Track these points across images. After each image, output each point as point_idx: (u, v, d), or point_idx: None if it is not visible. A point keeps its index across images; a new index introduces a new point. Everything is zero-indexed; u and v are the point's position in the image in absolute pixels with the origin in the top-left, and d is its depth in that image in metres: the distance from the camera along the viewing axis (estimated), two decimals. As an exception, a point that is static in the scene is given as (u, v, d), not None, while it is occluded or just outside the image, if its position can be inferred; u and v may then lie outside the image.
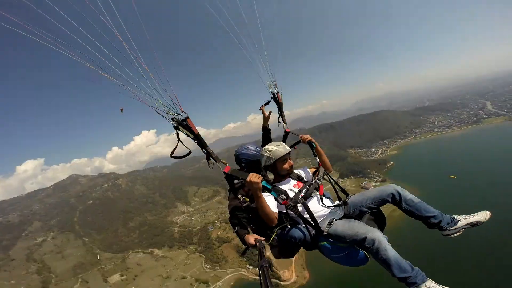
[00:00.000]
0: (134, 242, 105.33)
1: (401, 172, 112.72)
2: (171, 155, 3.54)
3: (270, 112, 5.27)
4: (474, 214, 3.48)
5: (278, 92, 5.24)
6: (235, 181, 4.11)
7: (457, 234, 3.42)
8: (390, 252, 2.87)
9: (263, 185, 3.38)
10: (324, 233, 3.41)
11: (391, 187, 3.59)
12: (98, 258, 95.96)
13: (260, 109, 5.35)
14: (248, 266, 78.82)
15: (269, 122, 5.41)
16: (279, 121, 5.37)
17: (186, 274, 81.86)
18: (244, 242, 3.67)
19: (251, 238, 3.55)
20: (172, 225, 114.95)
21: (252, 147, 4.61)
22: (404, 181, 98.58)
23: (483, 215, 3.46)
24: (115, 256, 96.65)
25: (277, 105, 5.29)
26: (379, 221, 3.72)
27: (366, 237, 2.97)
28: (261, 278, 2.49)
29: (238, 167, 4.62)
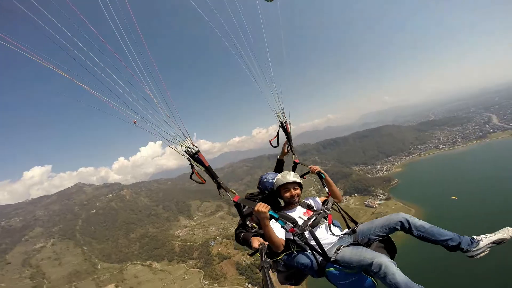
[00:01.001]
0: (134, 254, 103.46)
1: (406, 191, 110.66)
2: (190, 177, 3.94)
3: (289, 147, 5.43)
4: (496, 232, 3.35)
5: (286, 121, 5.35)
6: (244, 209, 4.19)
7: (483, 254, 3.25)
8: (399, 276, 2.73)
9: (270, 214, 3.50)
10: (332, 259, 3.42)
11: (400, 215, 3.56)
12: (99, 267, 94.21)
13: (284, 146, 5.50)
14: (247, 284, 76.08)
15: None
16: (287, 151, 5.42)
17: (183, 289, 79.09)
18: (249, 245, 3.73)
19: (256, 241, 3.60)
20: (174, 239, 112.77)
21: (271, 176, 4.67)
22: (409, 200, 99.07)
23: (506, 232, 3.32)
24: (112, 267, 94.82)
25: (285, 134, 5.40)
26: (389, 249, 3.68)
27: (372, 262, 2.92)
28: (262, 278, 2.54)
29: (257, 191, 4.86)
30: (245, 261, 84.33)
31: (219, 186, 3.85)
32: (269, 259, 2.85)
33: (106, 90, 3.34)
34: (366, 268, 3.03)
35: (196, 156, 3.74)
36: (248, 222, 4.14)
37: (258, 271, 2.85)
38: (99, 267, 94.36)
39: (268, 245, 3.53)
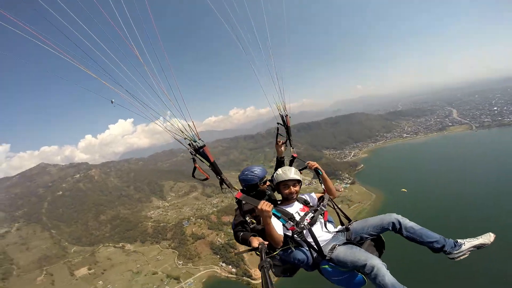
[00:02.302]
0: (105, 236, 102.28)
1: (369, 176, 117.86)
2: (192, 175, 3.75)
3: (284, 144, 5.45)
4: (478, 237, 3.64)
5: (287, 115, 5.34)
6: (244, 204, 4.25)
7: (463, 257, 3.54)
8: (388, 278, 2.97)
9: (273, 213, 3.62)
10: (327, 257, 3.60)
11: (392, 216, 3.78)
12: (69, 251, 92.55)
13: (277, 144, 5.47)
14: (221, 263, 78.32)
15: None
16: (286, 145, 5.44)
17: (158, 269, 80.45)
18: (248, 244, 3.82)
19: (255, 240, 3.68)
20: (146, 220, 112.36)
21: (253, 171, 4.63)
22: (371, 185, 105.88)
23: (487, 238, 3.61)
24: (84, 250, 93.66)
25: (285, 128, 5.39)
26: (379, 246, 3.97)
27: (366, 264, 3.14)
28: (262, 278, 2.58)
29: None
30: (219, 241, 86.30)
31: (222, 182, 3.82)
32: (269, 259, 2.92)
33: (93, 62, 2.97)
34: (359, 269, 3.26)
35: (201, 150, 3.63)
36: (247, 218, 4.21)
37: (258, 270, 2.78)
38: (69, 250, 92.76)
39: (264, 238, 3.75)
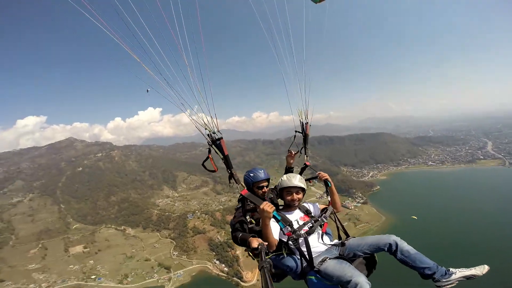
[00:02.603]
0: (110, 217, 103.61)
1: (384, 199, 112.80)
2: (202, 164, 3.88)
3: (299, 153, 5.41)
4: (471, 268, 3.49)
5: (307, 122, 5.39)
6: (248, 203, 4.35)
7: (449, 286, 3.40)
8: None
9: (273, 215, 3.59)
10: (315, 268, 3.49)
11: (391, 238, 3.62)
12: (72, 227, 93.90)
13: (289, 155, 5.41)
14: (215, 260, 76.47)
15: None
16: (300, 152, 5.40)
17: (151, 257, 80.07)
18: (248, 246, 3.76)
19: (255, 241, 3.63)
20: (153, 207, 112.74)
21: (250, 171, 4.66)
22: (383, 208, 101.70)
23: (480, 269, 3.46)
24: (85, 228, 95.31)
25: (303, 135, 5.43)
26: (370, 265, 3.88)
27: (351, 280, 3.02)
28: (262, 278, 2.59)
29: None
30: (218, 238, 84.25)
31: (231, 176, 3.87)
32: (269, 260, 2.93)
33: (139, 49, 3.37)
34: (344, 284, 3.08)
35: (218, 142, 3.73)
36: (247, 217, 4.19)
37: (258, 270, 2.76)
38: (72, 227, 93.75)
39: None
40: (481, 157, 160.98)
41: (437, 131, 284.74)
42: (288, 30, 4.56)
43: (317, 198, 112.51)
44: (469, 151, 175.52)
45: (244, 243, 3.85)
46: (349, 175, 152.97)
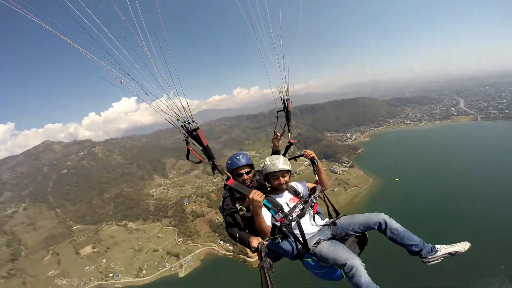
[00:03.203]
0: (109, 214, 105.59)
1: (368, 160, 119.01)
2: (187, 158, 3.74)
3: (281, 137, 5.32)
4: (454, 244, 3.76)
5: (288, 99, 5.21)
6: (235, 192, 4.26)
7: (435, 262, 3.70)
8: (364, 278, 3.08)
9: (264, 204, 3.58)
10: (310, 251, 3.67)
11: (380, 216, 3.80)
12: (74, 229, 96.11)
13: (275, 137, 5.31)
14: (219, 241, 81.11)
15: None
16: (284, 130, 5.30)
17: (158, 247, 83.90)
18: (247, 245, 3.80)
19: (255, 241, 3.69)
20: (148, 198, 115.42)
21: (229, 158, 4.52)
22: (369, 169, 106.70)
23: (462, 246, 3.73)
24: (88, 228, 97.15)
25: (285, 113, 5.29)
26: (362, 243, 4.06)
27: (346, 263, 3.20)
28: (262, 278, 2.64)
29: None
30: (218, 219, 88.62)
31: (214, 167, 3.77)
32: (269, 259, 2.98)
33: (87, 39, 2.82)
34: (339, 267, 3.34)
35: (194, 133, 3.53)
36: (237, 205, 4.19)
37: (258, 270, 2.87)
38: (74, 229, 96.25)
39: (253, 226, 3.82)
40: (455, 113, 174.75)
41: (412, 92, 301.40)
42: (264, 4, 4.23)
43: (305, 166, 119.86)
44: (443, 108, 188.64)
45: (243, 243, 3.89)
46: (334, 140, 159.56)
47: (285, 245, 3.77)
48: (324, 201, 4.39)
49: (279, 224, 3.80)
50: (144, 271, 75.06)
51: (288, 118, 5.26)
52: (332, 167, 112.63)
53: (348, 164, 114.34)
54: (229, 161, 4.44)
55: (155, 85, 3.23)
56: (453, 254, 3.73)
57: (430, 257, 3.68)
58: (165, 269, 74.80)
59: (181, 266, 74.54)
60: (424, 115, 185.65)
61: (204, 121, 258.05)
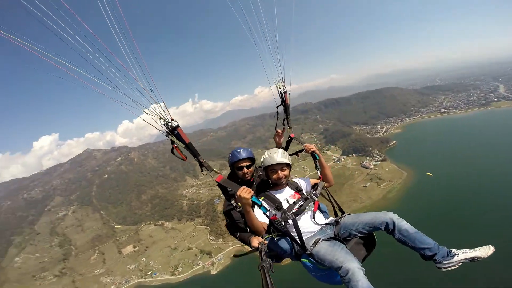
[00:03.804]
0: (147, 215, 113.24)
1: (402, 152, 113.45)
2: (172, 152, 3.66)
3: (282, 133, 5.24)
4: (475, 249, 3.34)
5: (285, 92, 5.06)
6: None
7: (451, 268, 3.29)
8: (361, 284, 2.79)
9: (252, 201, 3.38)
10: (307, 251, 3.46)
11: (387, 216, 3.46)
12: (117, 230, 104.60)
13: (277, 134, 5.23)
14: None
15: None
16: (283, 124, 5.20)
17: (192, 245, 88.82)
18: (247, 244, 3.87)
19: (256, 240, 3.73)
20: (182, 198, 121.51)
21: (232, 152, 4.56)
22: (403, 162, 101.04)
23: (485, 251, 3.30)
24: (129, 228, 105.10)
25: (283, 106, 5.14)
26: (369, 243, 3.72)
27: (342, 266, 2.97)
28: (262, 278, 2.60)
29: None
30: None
31: (201, 165, 3.74)
32: (269, 259, 2.88)
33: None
34: (335, 269, 3.08)
35: (175, 132, 3.48)
36: (233, 202, 4.09)
37: (258, 270, 2.77)
38: (116, 229, 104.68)
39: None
40: (495, 99, 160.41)
41: (444, 79, 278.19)
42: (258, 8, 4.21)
43: (334, 162, 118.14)
44: (481, 95, 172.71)
45: (244, 242, 3.95)
46: (363, 133, 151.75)
47: (283, 244, 3.61)
48: (328, 198, 4.23)
49: (273, 222, 3.64)
50: (179, 269, 79.71)
51: (287, 112, 5.11)
52: (362, 162, 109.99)
53: (380, 158, 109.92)
54: (230, 155, 4.48)
55: (132, 88, 3.21)
56: (472, 260, 3.29)
57: (445, 262, 3.28)
58: (198, 266, 78.82)
59: (213, 264, 77.98)
60: (460, 102, 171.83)
61: (228, 122, 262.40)
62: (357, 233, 3.58)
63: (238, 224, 4.16)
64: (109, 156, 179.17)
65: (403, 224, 3.37)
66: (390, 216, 3.43)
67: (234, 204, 4.11)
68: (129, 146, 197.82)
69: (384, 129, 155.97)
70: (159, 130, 3.49)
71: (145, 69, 3.19)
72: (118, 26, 2.99)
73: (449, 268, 3.29)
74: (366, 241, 3.71)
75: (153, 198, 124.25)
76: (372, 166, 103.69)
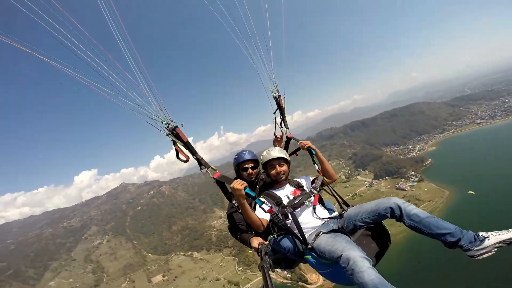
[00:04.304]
0: (177, 245, 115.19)
1: (440, 171, 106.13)
2: (177, 157, 3.79)
3: (281, 138, 5.20)
4: (510, 229, 2.80)
5: (280, 95, 5.14)
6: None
7: (487, 255, 2.75)
8: (368, 276, 2.36)
9: (246, 192, 3.34)
10: (309, 246, 3.22)
11: (391, 200, 3.15)
12: (148, 259, 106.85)
13: (276, 140, 5.24)
14: (277, 269, 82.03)
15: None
16: (281, 126, 5.16)
17: (220, 276, 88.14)
18: (248, 245, 3.73)
19: (255, 241, 3.57)
20: (210, 229, 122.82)
21: (238, 154, 4.56)
22: (443, 181, 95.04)
23: None
24: (159, 258, 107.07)
25: (279, 109, 5.17)
26: (380, 238, 3.36)
27: (341, 255, 2.63)
28: (262, 278, 2.53)
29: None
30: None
31: (199, 162, 3.78)
32: (269, 259, 2.76)
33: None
34: (336, 260, 2.71)
35: (175, 132, 3.67)
36: (234, 202, 4.02)
37: (259, 270, 2.63)
38: (148, 259, 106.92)
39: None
40: None
41: (474, 88, 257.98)
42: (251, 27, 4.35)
43: (366, 186, 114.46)
44: None
45: (245, 243, 3.78)
46: (394, 154, 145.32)
47: (285, 241, 3.44)
48: (332, 194, 4.09)
49: (270, 217, 3.54)
50: (207, 299, 79.14)
51: (282, 114, 5.14)
52: (397, 184, 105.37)
53: (416, 179, 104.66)
54: (236, 157, 4.45)
55: (139, 96, 3.52)
56: (510, 243, 2.72)
57: (476, 248, 2.73)
58: (226, 297, 77.73)
59: (241, 294, 76.73)
60: (496, 110, 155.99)
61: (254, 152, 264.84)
62: (362, 224, 3.28)
63: (239, 226, 4.02)
64: (142, 190, 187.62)
65: (411, 208, 3.02)
66: (394, 200, 3.12)
67: (235, 204, 3.97)
68: (161, 180, 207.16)
69: (418, 148, 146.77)
70: (160, 130, 3.71)
71: (157, 95, 3.69)
72: (143, 76, 3.57)
73: (484, 255, 2.73)
74: (376, 234, 3.35)
75: (183, 229, 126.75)
76: (408, 188, 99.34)
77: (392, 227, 3.50)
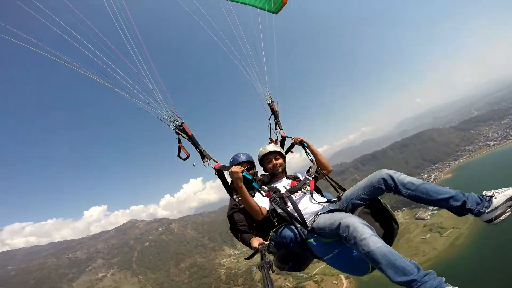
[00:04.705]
0: (184, 282, 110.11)
1: None
2: (178, 156, 4.07)
3: (276, 141, 5.30)
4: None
5: (273, 101, 5.43)
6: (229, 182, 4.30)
7: (503, 216, 2.37)
8: (374, 243, 2.17)
9: (244, 175, 3.43)
10: (309, 227, 3.10)
11: (382, 172, 3.06)
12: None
13: (271, 143, 5.25)
14: (284, 270, 77.54)
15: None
16: (276, 129, 5.30)
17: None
18: (248, 245, 3.73)
19: (256, 241, 3.56)
20: (219, 267, 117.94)
21: (233, 157, 4.68)
22: None
23: None
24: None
25: (273, 114, 5.39)
26: (383, 218, 3.12)
27: (340, 224, 2.50)
28: (262, 278, 2.33)
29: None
30: (287, 285, 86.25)
31: (202, 155, 3.97)
32: (269, 259, 2.61)
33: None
34: (339, 234, 2.54)
35: (181, 127, 4.02)
36: (235, 197, 4.16)
37: (259, 270, 2.43)
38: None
39: (259, 225, 3.75)
40: None
41: (480, 108, 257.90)
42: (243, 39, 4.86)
43: None
44: None
45: (246, 243, 3.80)
46: None
47: (286, 232, 3.34)
48: (327, 181, 4.09)
49: (268, 201, 3.58)
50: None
51: (276, 116, 5.37)
52: (416, 214, 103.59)
53: (436, 207, 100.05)
54: (231, 160, 4.61)
55: (150, 97, 4.06)
56: None
57: (488, 210, 2.40)
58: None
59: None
60: (508, 130, 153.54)
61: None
62: (360, 201, 3.21)
63: (239, 227, 4.02)
64: (151, 226, 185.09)
65: (404, 177, 2.96)
66: (385, 171, 3.06)
67: (237, 200, 4.13)
68: (170, 218, 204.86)
69: (433, 177, 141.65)
70: (168, 125, 4.10)
71: (166, 96, 4.18)
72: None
73: (501, 217, 2.39)
74: (375, 211, 3.20)
75: (191, 266, 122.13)
76: (428, 217, 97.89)
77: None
